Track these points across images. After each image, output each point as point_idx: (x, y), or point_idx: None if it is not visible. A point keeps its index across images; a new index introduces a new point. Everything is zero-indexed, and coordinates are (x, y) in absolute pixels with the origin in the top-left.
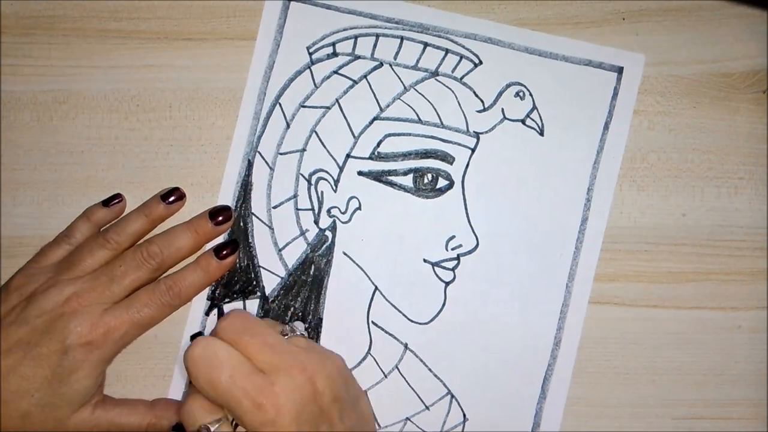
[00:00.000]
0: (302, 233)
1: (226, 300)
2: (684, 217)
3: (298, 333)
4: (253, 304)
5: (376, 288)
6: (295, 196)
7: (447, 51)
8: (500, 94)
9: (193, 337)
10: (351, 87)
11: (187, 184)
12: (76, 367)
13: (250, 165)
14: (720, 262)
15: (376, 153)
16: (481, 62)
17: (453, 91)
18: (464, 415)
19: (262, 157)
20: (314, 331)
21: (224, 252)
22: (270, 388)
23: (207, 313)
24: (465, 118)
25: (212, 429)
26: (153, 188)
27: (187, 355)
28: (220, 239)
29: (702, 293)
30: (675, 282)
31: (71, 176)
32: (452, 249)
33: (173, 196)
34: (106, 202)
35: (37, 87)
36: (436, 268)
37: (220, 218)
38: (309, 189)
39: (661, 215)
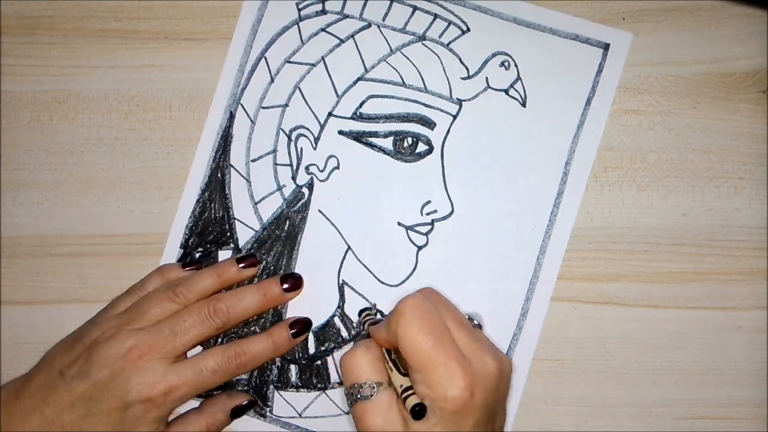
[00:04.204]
0: (279, 188)
1: (199, 249)
2: (684, 217)
3: (476, 323)
4: (225, 255)
5: (349, 247)
6: (274, 150)
7: (436, 16)
8: (486, 62)
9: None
10: (337, 45)
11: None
12: (136, 424)
13: (231, 117)
14: (720, 262)
15: (358, 113)
16: (468, 29)
17: (439, 57)
18: None
19: (245, 110)
20: None
21: (297, 329)
22: (468, 366)
23: (179, 261)
24: (449, 84)
25: (374, 390)
26: (153, 188)
27: (409, 300)
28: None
29: (702, 293)
30: (675, 282)
31: (71, 176)
32: (427, 214)
33: (247, 261)
34: (184, 265)
35: (37, 87)
36: (409, 231)
37: (288, 285)
38: (289, 145)
39: (661, 215)
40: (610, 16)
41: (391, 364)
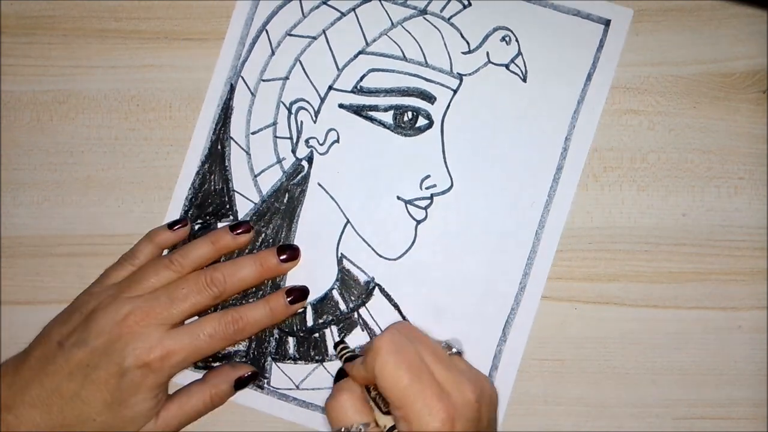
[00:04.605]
0: (279, 161)
1: (198, 221)
2: (684, 217)
3: (455, 351)
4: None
5: (348, 221)
6: (274, 123)
7: None
8: (486, 37)
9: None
10: (338, 19)
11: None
12: (135, 390)
13: (232, 89)
14: (720, 262)
15: (358, 87)
16: (470, 4)
17: (440, 31)
18: None
19: (245, 83)
20: None
21: (294, 296)
22: (447, 398)
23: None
24: (450, 58)
25: (363, 431)
26: (153, 188)
27: (385, 336)
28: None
29: (702, 293)
30: (675, 282)
31: (71, 176)
32: (426, 188)
33: (241, 228)
34: (171, 225)
35: (37, 87)
36: (409, 205)
37: (286, 256)
38: (289, 118)
39: (661, 215)
40: None
41: (372, 403)
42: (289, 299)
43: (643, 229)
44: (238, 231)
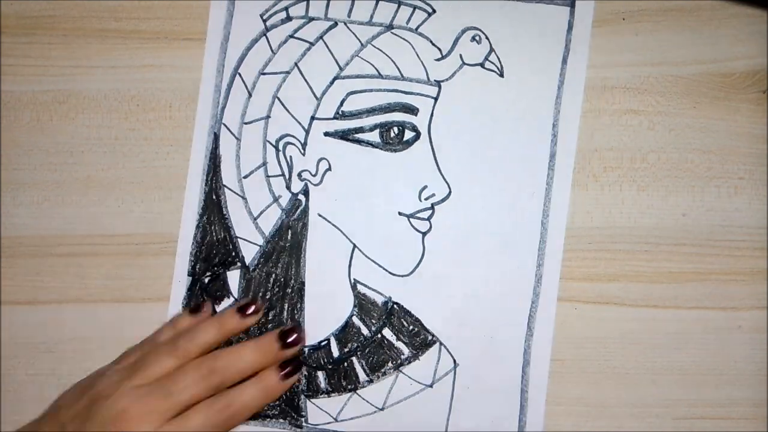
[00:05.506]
0: (275, 200)
1: (207, 274)
2: (684, 217)
3: None
4: (234, 275)
5: (355, 246)
6: (264, 163)
7: (399, 3)
8: (457, 40)
9: None
10: (308, 49)
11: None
12: None
13: (216, 138)
14: (720, 262)
15: (340, 112)
16: (434, 11)
17: (410, 43)
18: (454, 361)
19: (228, 129)
20: (297, 295)
21: (287, 370)
22: None
23: (189, 290)
24: (424, 67)
25: None
26: (153, 188)
27: None
28: None
29: (702, 293)
30: (675, 282)
31: (71, 176)
32: (426, 199)
33: (248, 309)
34: (194, 311)
35: (37, 87)
36: (411, 219)
37: (290, 340)
38: (277, 155)
39: (661, 215)
40: (610, 16)
41: None
42: (282, 373)
43: (643, 229)
44: (247, 312)
